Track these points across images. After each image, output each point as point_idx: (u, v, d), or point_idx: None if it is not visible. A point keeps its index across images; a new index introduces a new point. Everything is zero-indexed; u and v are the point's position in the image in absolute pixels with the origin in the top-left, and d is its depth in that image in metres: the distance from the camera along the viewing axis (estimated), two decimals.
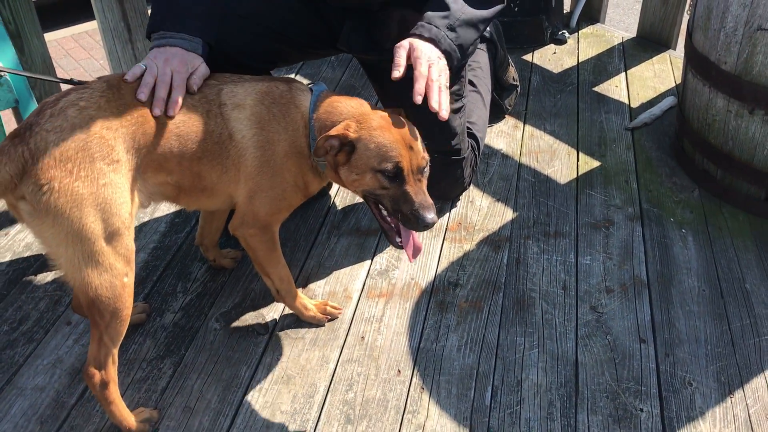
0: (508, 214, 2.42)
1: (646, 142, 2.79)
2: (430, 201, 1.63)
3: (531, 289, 2.13)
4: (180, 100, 1.64)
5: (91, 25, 5.22)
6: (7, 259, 2.21)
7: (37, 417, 1.74)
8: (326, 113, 1.71)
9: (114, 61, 2.80)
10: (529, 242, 2.30)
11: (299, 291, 1.99)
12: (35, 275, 2.15)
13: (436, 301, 2.09)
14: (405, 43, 1.76)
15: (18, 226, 2.32)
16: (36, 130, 1.46)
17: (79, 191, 1.44)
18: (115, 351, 1.59)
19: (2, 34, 2.04)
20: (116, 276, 1.51)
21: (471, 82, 2.49)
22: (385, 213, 1.69)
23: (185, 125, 1.63)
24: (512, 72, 2.88)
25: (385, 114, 1.70)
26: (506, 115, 2.94)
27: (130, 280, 1.55)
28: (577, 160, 2.69)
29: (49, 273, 2.15)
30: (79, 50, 4.93)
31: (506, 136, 2.82)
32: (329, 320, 2.02)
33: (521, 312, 2.05)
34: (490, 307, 2.07)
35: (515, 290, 2.13)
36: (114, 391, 1.61)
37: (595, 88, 3.15)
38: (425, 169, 1.67)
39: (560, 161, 2.68)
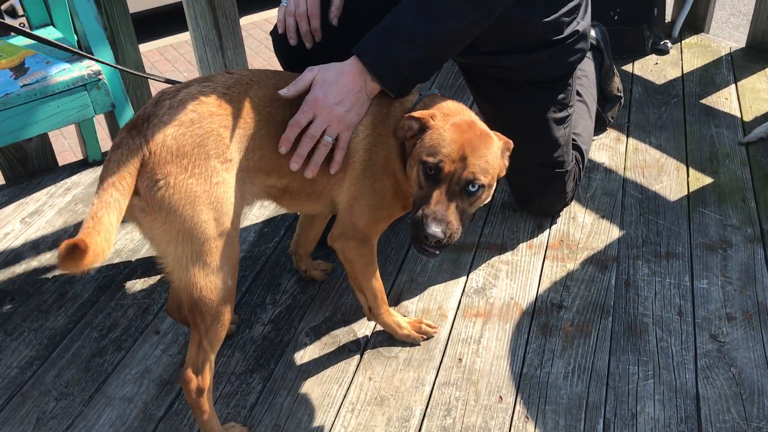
0: (614, 232, 2.25)
1: (763, 158, 2.57)
2: (449, 218, 1.44)
3: (643, 313, 1.96)
4: (318, 27, 1.81)
5: (175, 39, 5.31)
6: (96, 265, 2.17)
7: (125, 428, 1.68)
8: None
9: (204, 69, 2.78)
10: (638, 263, 2.12)
11: (392, 308, 1.89)
12: (124, 283, 2.11)
13: (538, 323, 1.95)
14: (308, 75, 1.59)
15: None
16: (154, 121, 1.40)
17: (193, 188, 1.38)
18: (213, 357, 1.51)
19: (102, 37, 2.03)
20: (222, 278, 1.44)
21: (577, 92, 2.34)
22: None
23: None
24: (617, 82, 2.72)
25: (468, 119, 1.55)
26: (608, 128, 2.77)
27: (233, 283, 1.48)
28: (687, 176, 2.50)
29: (137, 281, 2.11)
30: (164, 63, 5.01)
31: (608, 149, 2.65)
32: (424, 339, 1.90)
33: (633, 338, 1.89)
34: (599, 332, 1.91)
35: (625, 314, 1.96)
36: (208, 400, 1.54)
37: (703, 101, 2.94)
38: (469, 189, 1.47)
39: (669, 177, 2.49)
